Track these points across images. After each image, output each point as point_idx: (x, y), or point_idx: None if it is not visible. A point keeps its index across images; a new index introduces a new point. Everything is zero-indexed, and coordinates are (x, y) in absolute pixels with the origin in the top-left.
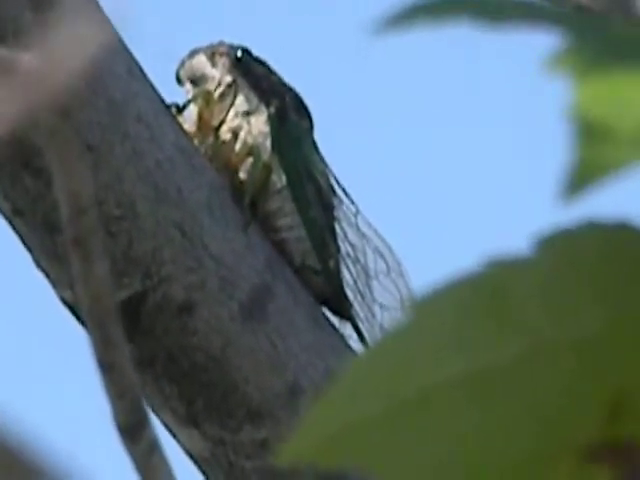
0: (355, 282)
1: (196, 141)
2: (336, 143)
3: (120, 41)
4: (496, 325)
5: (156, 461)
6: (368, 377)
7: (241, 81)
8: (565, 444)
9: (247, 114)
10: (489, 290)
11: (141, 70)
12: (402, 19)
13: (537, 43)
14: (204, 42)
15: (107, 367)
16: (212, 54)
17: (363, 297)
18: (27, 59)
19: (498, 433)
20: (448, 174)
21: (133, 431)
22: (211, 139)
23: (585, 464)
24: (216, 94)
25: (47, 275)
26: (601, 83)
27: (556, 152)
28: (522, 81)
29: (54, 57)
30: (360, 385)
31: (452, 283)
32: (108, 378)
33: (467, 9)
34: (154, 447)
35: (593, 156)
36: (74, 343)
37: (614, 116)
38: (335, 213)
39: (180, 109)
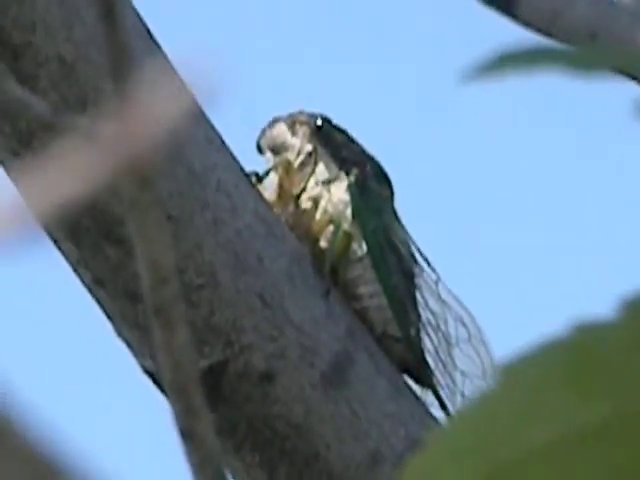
0: (436, 350)
1: (276, 210)
2: (417, 211)
3: (200, 110)
4: (583, 389)
5: None
6: (457, 443)
7: (321, 150)
8: None
9: (327, 182)
10: (575, 353)
11: (221, 139)
12: (493, 68)
13: (628, 91)
14: (284, 111)
15: (189, 436)
16: (292, 123)
17: (444, 365)
18: (108, 128)
19: None
20: (529, 240)
21: None
22: (291, 208)
23: None
24: (296, 163)
25: (128, 344)
26: None
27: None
28: (610, 140)
29: (134, 125)
30: (449, 451)
31: (538, 347)
32: (190, 447)
33: (558, 58)
34: None
35: None
36: (156, 412)
37: None
38: (416, 281)
39: (260, 178)
